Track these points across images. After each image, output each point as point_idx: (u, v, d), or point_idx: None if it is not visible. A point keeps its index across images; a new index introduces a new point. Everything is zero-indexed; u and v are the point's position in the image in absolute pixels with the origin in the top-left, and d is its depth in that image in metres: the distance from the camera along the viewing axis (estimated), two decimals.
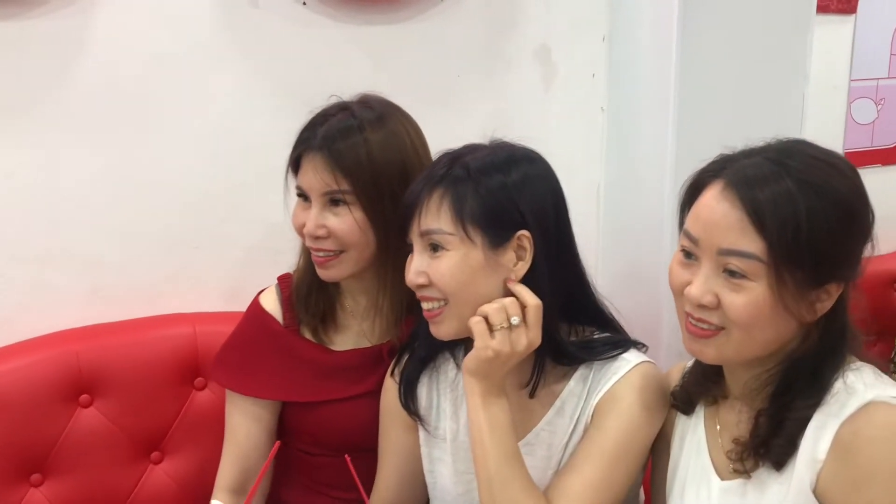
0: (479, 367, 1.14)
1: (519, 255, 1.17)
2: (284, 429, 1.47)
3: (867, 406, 0.96)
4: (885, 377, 1.04)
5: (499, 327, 1.12)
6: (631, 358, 1.22)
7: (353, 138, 1.31)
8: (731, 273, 1.01)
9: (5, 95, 1.60)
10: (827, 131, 2.25)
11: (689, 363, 1.21)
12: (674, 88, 1.86)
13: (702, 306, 1.03)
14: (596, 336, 1.26)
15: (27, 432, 1.57)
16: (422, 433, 1.33)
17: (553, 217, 1.21)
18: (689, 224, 1.06)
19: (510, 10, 1.90)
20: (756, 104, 1.88)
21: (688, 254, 1.06)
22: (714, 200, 1.02)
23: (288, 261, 1.53)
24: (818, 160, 1.02)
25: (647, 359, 1.24)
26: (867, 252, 1.04)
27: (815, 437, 0.99)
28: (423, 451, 1.33)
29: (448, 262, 1.16)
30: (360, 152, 1.30)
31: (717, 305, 1.02)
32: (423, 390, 1.32)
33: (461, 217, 1.15)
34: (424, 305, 1.19)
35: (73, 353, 1.61)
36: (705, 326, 1.03)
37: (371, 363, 1.41)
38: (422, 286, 1.18)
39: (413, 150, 1.36)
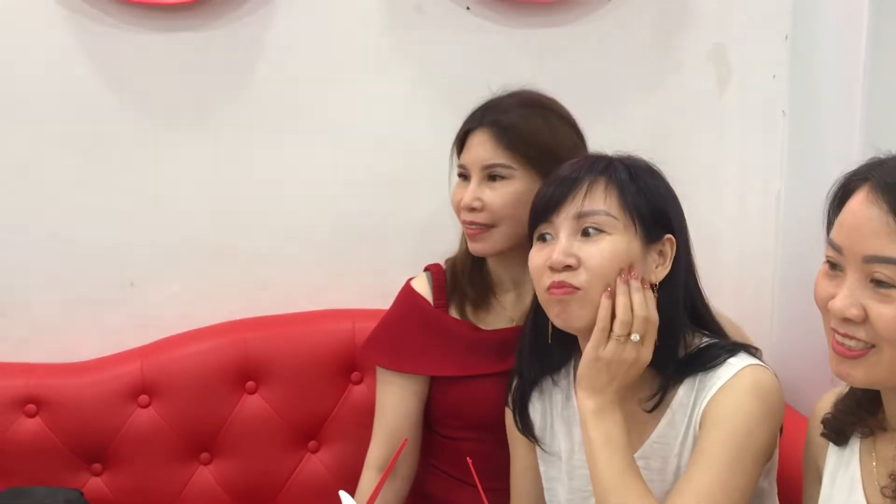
0: (589, 374, 1.13)
1: (661, 259, 1.18)
2: (431, 413, 1.52)
3: None
4: None
5: (617, 335, 1.10)
6: (736, 362, 1.16)
7: (518, 115, 1.40)
8: (879, 283, 0.92)
9: (190, 99, 1.75)
10: None
11: (845, 389, 1.10)
12: (861, 91, 1.71)
13: (847, 320, 0.94)
14: (704, 343, 1.21)
15: (199, 413, 1.70)
16: (539, 452, 1.32)
17: (686, 229, 1.23)
18: (833, 233, 0.98)
19: (681, 10, 1.83)
20: None
21: (833, 265, 0.98)
22: (858, 205, 0.94)
23: (436, 261, 1.57)
24: None
25: (756, 361, 1.17)
26: None
27: None
28: (541, 469, 1.32)
29: (609, 246, 1.14)
30: (524, 128, 1.39)
31: (865, 319, 0.93)
32: (536, 412, 1.31)
33: (627, 204, 1.15)
34: (556, 293, 1.14)
35: (242, 342, 1.72)
36: (853, 344, 0.95)
37: (516, 342, 1.40)
38: (568, 268, 1.14)
39: (574, 138, 1.44)
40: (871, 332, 0.93)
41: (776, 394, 1.16)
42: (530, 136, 1.39)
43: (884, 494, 0.97)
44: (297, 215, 1.80)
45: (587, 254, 1.14)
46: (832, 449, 1.10)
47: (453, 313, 1.51)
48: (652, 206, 1.17)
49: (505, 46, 1.78)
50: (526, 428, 1.31)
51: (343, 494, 1.06)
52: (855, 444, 1.07)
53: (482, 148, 1.40)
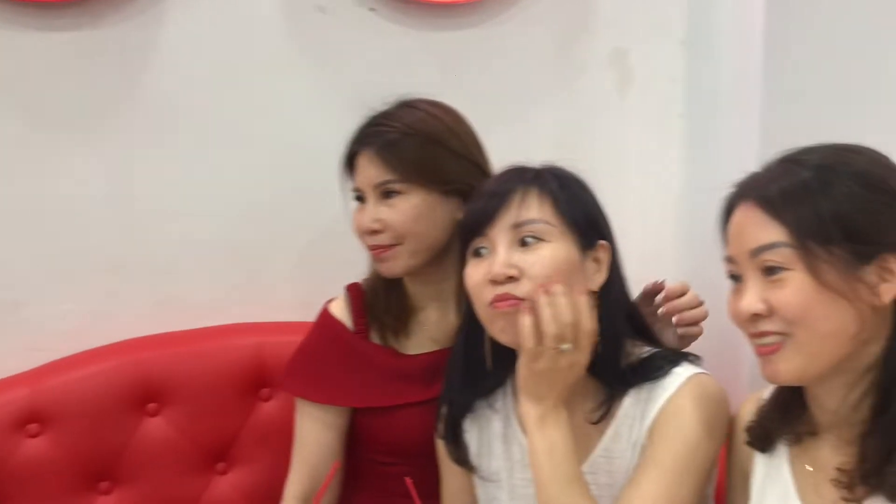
0: (529, 383, 1.10)
1: (598, 265, 1.17)
2: (356, 438, 1.46)
3: None
4: None
5: (548, 345, 1.07)
6: (681, 371, 1.16)
7: (402, 128, 1.34)
8: (770, 271, 0.97)
9: (77, 104, 1.63)
10: None
11: (765, 394, 1.13)
12: (757, 94, 1.77)
13: (756, 317, 0.98)
14: (646, 353, 1.21)
15: (97, 440, 1.58)
16: (475, 478, 1.29)
17: (613, 235, 1.22)
18: (726, 249, 1.05)
19: (583, 13, 1.84)
20: (850, 108, 1.77)
21: (734, 277, 1.03)
22: (738, 216, 1.02)
23: (358, 271, 1.51)
24: (837, 149, 1.01)
25: (700, 370, 1.18)
26: None
27: None
28: (479, 491, 1.29)
29: (549, 253, 1.12)
30: (409, 141, 1.33)
31: (771, 311, 0.97)
32: (472, 437, 1.28)
33: (562, 212, 1.14)
34: (500, 306, 1.11)
35: (142, 362, 1.62)
36: (769, 340, 0.98)
37: (442, 366, 1.37)
38: (512, 279, 1.11)
39: (464, 141, 1.38)
40: (780, 321, 0.96)
41: (723, 402, 1.16)
42: (416, 148, 1.34)
43: (835, 486, 0.98)
44: (196, 226, 1.71)
45: (528, 263, 1.11)
46: (759, 457, 1.12)
47: (374, 338, 1.44)
48: (585, 213, 1.17)
49: (411, 49, 1.74)
50: (460, 458, 1.27)
51: None
52: (783, 452, 1.09)
53: (370, 168, 1.35)
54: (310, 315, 1.68)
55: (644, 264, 1.95)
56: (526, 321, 1.08)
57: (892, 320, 0.97)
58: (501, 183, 1.17)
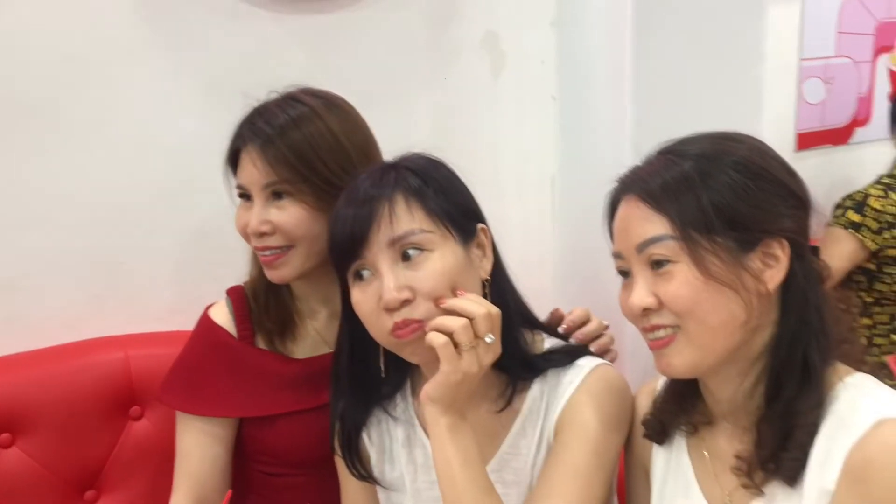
0: (445, 393, 1.03)
1: (482, 251, 1.12)
2: (243, 449, 1.36)
3: (877, 426, 0.88)
4: (886, 388, 0.97)
5: (468, 346, 1.01)
6: (584, 363, 1.14)
7: (290, 124, 1.23)
8: (657, 264, 0.96)
9: None
10: (781, 112, 2.21)
11: (659, 384, 1.13)
12: (629, 74, 1.78)
13: (647, 311, 0.97)
14: (547, 344, 1.18)
15: None
16: (377, 486, 1.24)
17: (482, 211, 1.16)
18: (613, 245, 1.04)
19: None
20: (713, 87, 1.82)
21: (624, 273, 1.02)
22: (622, 212, 1.02)
23: (227, 274, 1.40)
24: (715, 138, 1.01)
25: (603, 361, 1.17)
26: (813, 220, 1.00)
27: (823, 465, 0.91)
28: (381, 497, 1.24)
29: (434, 264, 1.05)
30: (296, 139, 1.23)
31: (660, 304, 0.96)
32: (372, 447, 1.23)
33: (434, 212, 1.07)
34: (404, 335, 1.05)
35: None
36: (661, 333, 0.97)
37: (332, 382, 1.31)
38: (406, 302, 1.04)
39: (358, 136, 1.29)
40: (670, 314, 0.96)
41: (626, 393, 1.15)
42: (308, 146, 1.23)
43: (735, 474, 0.98)
44: (45, 235, 1.55)
45: (419, 281, 1.04)
46: (658, 450, 1.11)
47: (260, 344, 1.35)
48: (454, 202, 1.10)
49: (278, 34, 1.64)
50: (360, 472, 1.21)
51: None
52: (681, 443, 1.09)
53: (257, 167, 1.23)
54: (179, 324, 1.57)
55: (525, 244, 1.97)
56: (439, 340, 1.01)
57: (779, 306, 0.98)
58: (362, 193, 1.08)
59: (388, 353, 1.15)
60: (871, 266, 2.25)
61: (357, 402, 1.20)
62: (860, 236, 2.20)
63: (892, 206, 2.21)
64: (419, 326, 1.04)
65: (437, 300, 1.04)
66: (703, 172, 0.95)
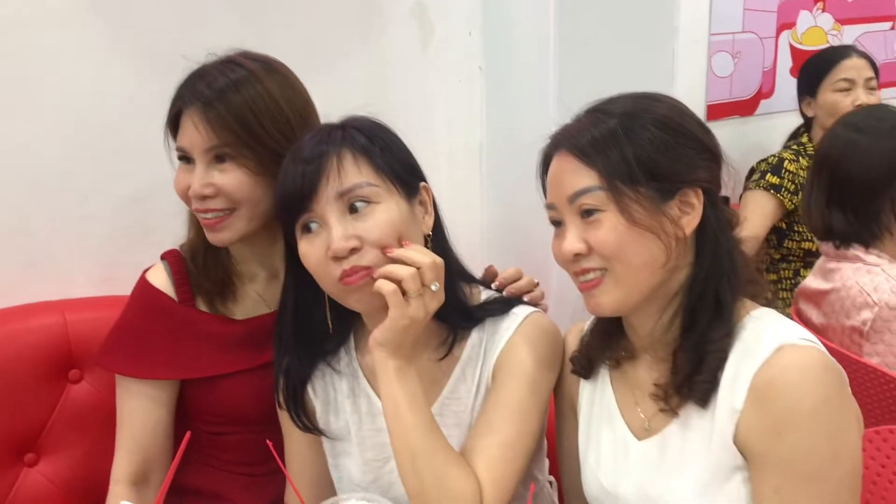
0: (393, 337, 1.09)
1: (424, 208, 1.18)
2: (186, 410, 1.39)
3: (778, 351, 0.99)
4: (787, 319, 1.08)
5: (415, 294, 1.07)
6: (520, 311, 1.22)
7: (233, 86, 1.24)
8: (587, 213, 1.05)
9: None
10: (692, 84, 2.33)
11: (587, 325, 1.22)
12: (552, 47, 1.86)
13: (577, 257, 1.06)
14: (484, 296, 1.26)
15: None
16: (322, 437, 1.28)
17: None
18: (547, 197, 1.12)
19: None
20: (631, 60, 1.91)
21: (556, 223, 1.10)
22: (555, 165, 1.09)
23: (162, 239, 1.43)
24: (638, 97, 1.09)
25: (536, 308, 1.25)
26: (725, 176, 1.10)
27: (732, 387, 1.01)
28: (326, 447, 1.29)
29: (381, 215, 1.10)
30: (236, 102, 1.24)
31: (589, 249, 1.05)
32: (317, 399, 1.27)
33: (380, 167, 1.12)
34: (352, 281, 1.09)
35: None
36: (590, 276, 1.06)
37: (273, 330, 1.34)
38: (354, 250, 1.09)
39: (299, 100, 1.31)
40: (599, 258, 1.05)
41: (557, 336, 1.23)
42: (249, 110, 1.24)
43: (653, 399, 1.08)
44: None
45: (365, 230, 1.09)
46: (584, 385, 1.21)
47: (201, 306, 1.37)
48: (399, 160, 1.16)
49: (211, 3, 1.65)
50: (305, 424, 1.25)
51: None
52: (605, 377, 1.18)
53: (199, 130, 1.23)
54: (115, 289, 1.58)
55: (454, 210, 2.02)
56: (388, 287, 1.07)
57: (694, 249, 1.07)
58: (311, 148, 1.13)
59: (332, 308, 1.21)
60: (783, 225, 2.41)
61: (301, 357, 1.24)
62: (780, 196, 2.35)
63: (802, 170, 2.37)
64: (367, 273, 1.09)
65: (384, 249, 1.09)
66: (627, 129, 1.04)
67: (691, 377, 1.04)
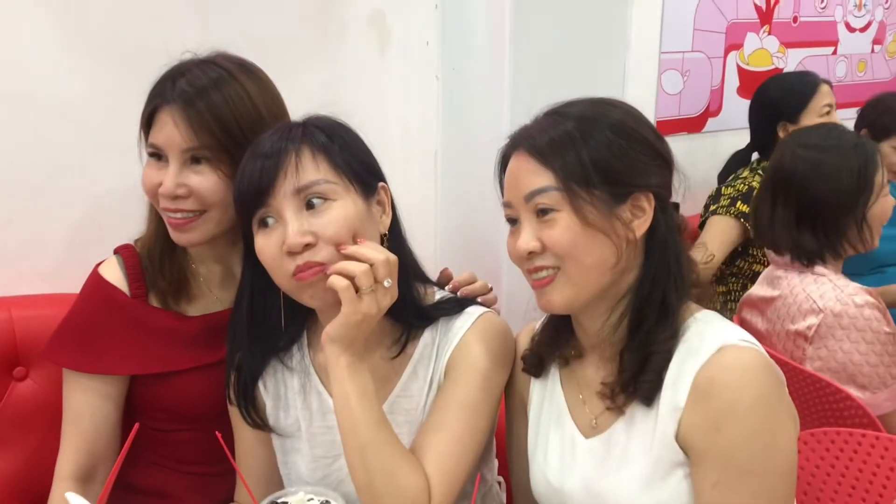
0: (346, 333, 1.10)
1: (382, 208, 1.19)
2: (134, 407, 1.37)
3: (719, 351, 1.02)
4: (729, 321, 1.12)
5: (367, 290, 1.09)
6: (473, 311, 1.24)
7: (213, 87, 1.24)
8: (543, 212, 1.08)
9: None
10: (642, 100, 2.38)
11: (538, 325, 1.25)
12: (507, 58, 1.90)
13: (531, 255, 1.08)
14: (438, 296, 1.28)
15: None
16: (272, 434, 1.29)
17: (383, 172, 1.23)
18: (504, 195, 1.14)
19: None
20: (583, 73, 1.96)
21: (512, 221, 1.13)
22: (513, 165, 1.12)
23: (115, 237, 1.41)
24: (595, 102, 1.12)
25: (489, 309, 1.27)
26: (676, 183, 1.13)
27: (675, 385, 1.04)
28: (276, 444, 1.29)
29: (337, 212, 1.11)
30: (217, 101, 1.24)
31: (543, 248, 1.08)
32: (268, 396, 1.28)
33: (338, 166, 1.13)
34: (305, 276, 1.10)
35: None
36: (543, 274, 1.09)
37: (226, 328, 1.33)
38: (308, 246, 1.10)
39: (277, 105, 1.31)
40: (552, 256, 1.07)
41: (509, 335, 1.26)
42: (229, 111, 1.24)
43: (601, 397, 1.10)
44: None
45: (321, 226, 1.10)
46: (535, 384, 1.23)
47: (154, 302, 1.36)
48: (359, 160, 1.17)
49: (170, 3, 1.65)
50: (255, 421, 1.26)
51: (72, 496, 0.94)
52: (555, 376, 1.21)
53: (178, 129, 1.22)
54: (65, 286, 1.56)
55: (410, 216, 2.04)
56: (341, 283, 1.08)
57: (644, 252, 1.11)
58: (270, 144, 1.13)
59: (287, 305, 1.22)
60: (738, 247, 2.45)
61: (254, 352, 1.24)
62: (747, 225, 2.35)
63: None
64: (321, 269, 1.10)
65: (338, 246, 1.11)
66: (584, 132, 1.07)
67: (637, 376, 1.07)
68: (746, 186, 2.43)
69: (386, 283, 1.10)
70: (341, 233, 1.11)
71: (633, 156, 1.08)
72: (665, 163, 1.12)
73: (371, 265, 1.09)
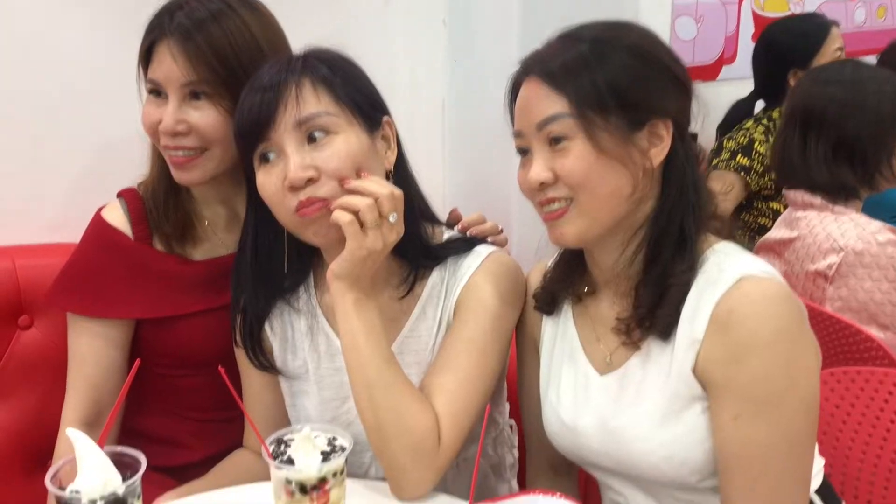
0: (351, 269, 1.08)
1: (387, 143, 1.16)
2: (140, 352, 1.35)
3: (739, 282, 0.99)
4: (749, 253, 1.08)
5: (372, 224, 1.06)
6: (482, 250, 1.21)
7: (211, 18, 1.21)
8: (555, 141, 1.03)
9: None
10: None
11: (550, 263, 1.21)
12: (516, 2, 1.85)
13: (543, 186, 1.04)
14: (446, 236, 1.24)
15: None
16: (280, 377, 1.27)
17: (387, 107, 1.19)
18: (514, 123, 1.09)
19: None
20: (595, 15, 1.88)
21: (523, 151, 1.08)
22: (524, 91, 1.07)
23: (116, 186, 1.39)
24: (610, 25, 1.08)
25: (498, 248, 1.23)
26: (695, 110, 1.08)
27: (692, 318, 1.01)
28: (284, 387, 1.27)
29: (339, 145, 1.08)
30: (216, 34, 1.20)
31: (556, 178, 1.03)
32: (274, 338, 1.25)
33: (340, 98, 1.09)
34: (308, 212, 1.07)
35: None
36: (555, 206, 1.04)
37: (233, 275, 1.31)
38: (311, 181, 1.07)
39: (278, 37, 1.28)
40: (565, 187, 1.03)
41: (519, 274, 1.22)
42: (228, 44, 1.20)
43: (616, 333, 1.07)
44: None
45: (323, 160, 1.07)
46: (547, 321, 1.20)
47: (158, 245, 1.33)
48: (361, 92, 1.14)
49: None
50: (263, 364, 1.24)
51: (72, 431, 0.92)
52: (568, 314, 1.17)
53: (177, 63, 1.19)
54: (67, 236, 1.54)
55: (417, 164, 2.01)
56: (345, 217, 1.04)
57: (661, 181, 1.06)
58: (270, 76, 1.10)
59: (291, 245, 1.19)
60: (742, 200, 2.40)
61: (259, 294, 1.22)
62: (748, 179, 2.32)
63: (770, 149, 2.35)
64: (323, 204, 1.07)
65: (342, 181, 1.07)
66: (599, 54, 1.02)
67: (653, 310, 1.03)
68: (747, 139, 2.36)
69: (391, 218, 1.07)
70: (344, 167, 1.08)
71: (650, 80, 1.03)
72: (684, 88, 1.07)
73: (376, 199, 1.05)
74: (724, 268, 1.02)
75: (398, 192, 1.08)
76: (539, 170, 1.03)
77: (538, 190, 1.05)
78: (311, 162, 1.07)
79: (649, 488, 1.09)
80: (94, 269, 1.33)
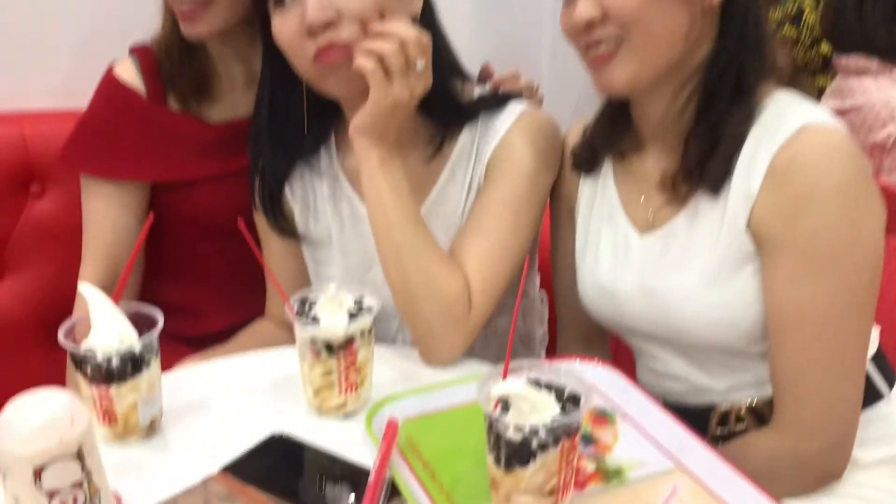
0: (376, 122, 1.00)
1: None
2: (157, 218, 1.29)
3: (801, 131, 0.90)
4: (812, 100, 0.98)
5: (398, 71, 0.97)
6: (515, 107, 1.12)
7: None
8: None
9: None
10: None
11: (590, 120, 1.12)
12: None
13: (590, 26, 0.94)
14: (477, 93, 1.15)
15: None
16: (303, 243, 1.21)
17: None
18: None
19: None
20: None
21: None
22: None
23: (125, 47, 1.31)
24: None
25: (530, 106, 1.14)
26: None
27: (748, 170, 0.92)
28: (307, 254, 1.21)
29: None
30: None
31: (605, 15, 0.93)
32: (295, 202, 1.19)
33: None
34: (328, 59, 0.99)
35: None
36: (604, 49, 0.94)
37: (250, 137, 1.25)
38: (330, 25, 0.97)
39: None
40: (615, 25, 0.93)
41: (556, 133, 1.14)
42: None
43: (661, 189, 0.99)
44: None
45: (343, 1, 0.97)
46: (584, 181, 1.12)
47: (173, 104, 1.27)
48: None
49: None
50: (283, 229, 1.18)
51: (85, 287, 0.87)
52: (608, 172, 1.09)
53: None
54: (75, 102, 1.47)
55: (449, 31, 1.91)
56: (369, 64, 0.96)
57: (721, 22, 0.96)
58: None
59: (310, 100, 1.11)
60: None
61: (278, 155, 1.15)
62: (794, 52, 2.17)
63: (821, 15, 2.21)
64: (345, 51, 0.99)
65: (364, 23, 0.98)
66: None
67: (704, 162, 0.95)
68: (796, 8, 2.21)
69: (419, 65, 0.98)
70: (366, 7, 0.98)
71: None
72: None
73: (402, 44, 0.96)
74: (785, 116, 0.93)
75: (426, 36, 0.99)
76: (586, 7, 0.93)
77: (583, 30, 0.95)
78: (330, 2, 0.97)
79: (691, 353, 1.03)
80: (106, 129, 1.27)
